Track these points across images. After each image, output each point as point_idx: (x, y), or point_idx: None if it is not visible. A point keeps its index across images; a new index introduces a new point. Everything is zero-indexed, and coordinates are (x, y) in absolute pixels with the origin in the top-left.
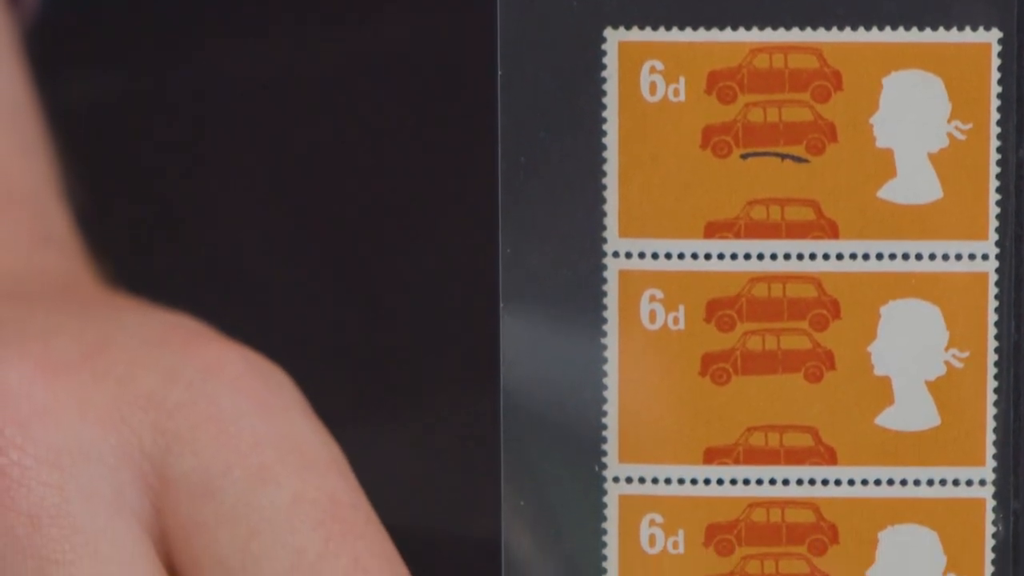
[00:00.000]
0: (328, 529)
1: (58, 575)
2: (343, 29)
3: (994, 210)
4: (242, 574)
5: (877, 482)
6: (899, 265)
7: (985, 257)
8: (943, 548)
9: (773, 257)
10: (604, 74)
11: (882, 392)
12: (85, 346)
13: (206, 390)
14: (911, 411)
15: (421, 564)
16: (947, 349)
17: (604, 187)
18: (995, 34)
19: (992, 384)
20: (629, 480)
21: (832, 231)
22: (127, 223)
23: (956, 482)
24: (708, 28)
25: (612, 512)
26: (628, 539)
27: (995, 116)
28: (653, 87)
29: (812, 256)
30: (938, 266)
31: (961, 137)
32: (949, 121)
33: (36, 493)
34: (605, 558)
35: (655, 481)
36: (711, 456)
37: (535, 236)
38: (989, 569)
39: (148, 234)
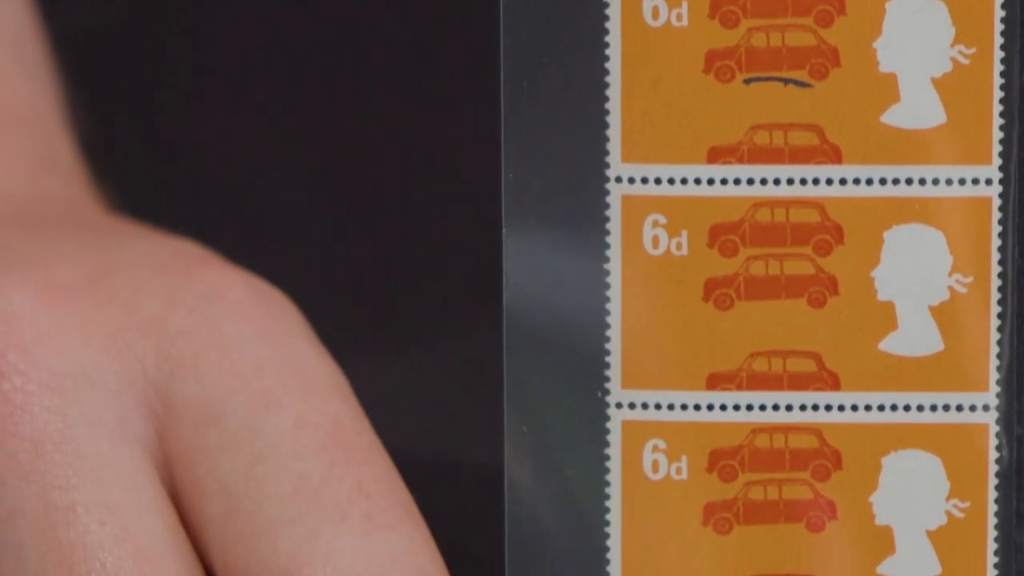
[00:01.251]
0: (331, 454)
1: (61, 500)
2: None
3: (997, 135)
4: (245, 499)
5: (880, 407)
6: (902, 190)
7: (988, 182)
8: (946, 473)
9: (776, 182)
10: None
11: (885, 317)
12: (88, 272)
13: (209, 315)
14: (914, 336)
15: (423, 489)
16: (950, 274)
17: (607, 112)
18: None
19: (996, 309)
20: (632, 406)
21: (835, 156)
22: (131, 148)
23: (959, 407)
24: None
25: (615, 438)
26: (631, 465)
27: (999, 40)
28: (656, 11)
29: (815, 181)
30: (941, 191)
31: (964, 62)
32: (952, 46)
33: (39, 419)
34: (608, 484)
35: (658, 407)
36: (714, 382)
37: (538, 161)
38: (992, 495)
39: (152, 159)
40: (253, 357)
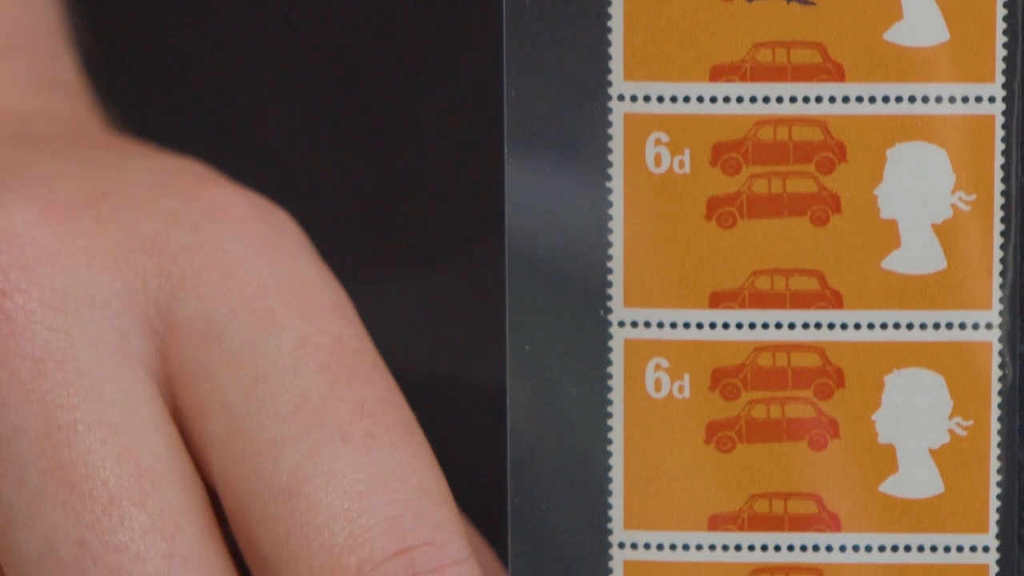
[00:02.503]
0: (333, 373)
1: (62, 419)
2: None
3: (1000, 52)
4: (247, 418)
5: (883, 326)
6: (905, 108)
7: (992, 100)
8: (949, 392)
9: (779, 100)
10: None
11: (888, 235)
12: (90, 190)
13: (211, 234)
14: (917, 254)
15: (426, 409)
16: (953, 192)
17: (609, 30)
18: None
19: (999, 227)
20: (634, 325)
21: (838, 74)
22: (134, 67)
23: (962, 325)
24: None
25: (617, 357)
26: (633, 384)
27: None
28: None
29: (818, 99)
30: (944, 109)
31: None
32: None
33: (41, 337)
34: (610, 403)
35: (660, 326)
36: (716, 300)
37: (540, 79)
38: (995, 413)
39: (154, 78)
40: (255, 276)
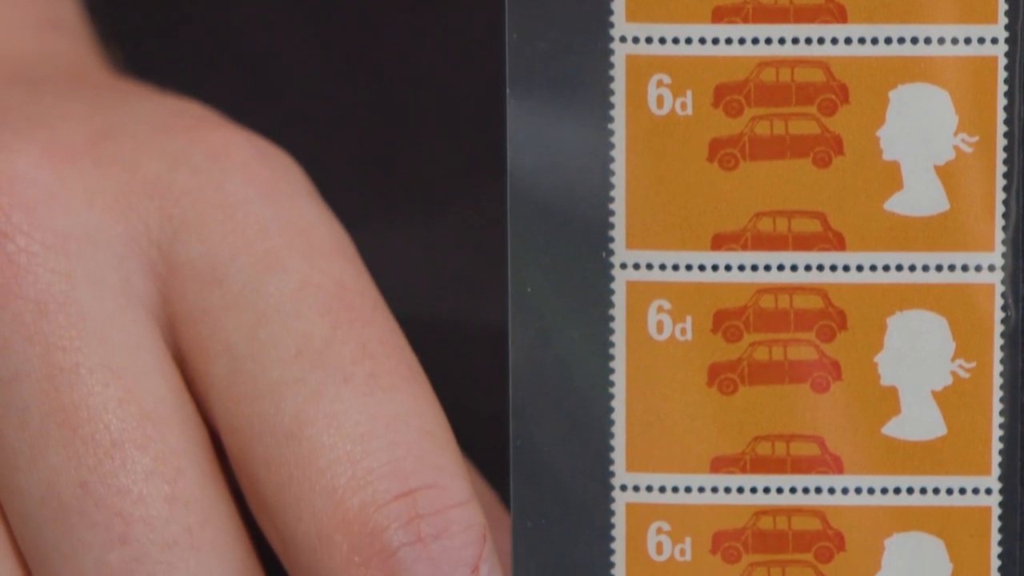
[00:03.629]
0: (335, 315)
1: (65, 362)
2: None
3: None
4: (249, 360)
5: (886, 268)
6: (908, 49)
7: (994, 41)
8: (952, 333)
9: (781, 41)
10: None
11: (891, 177)
12: (92, 132)
13: (212, 176)
14: (920, 196)
15: (427, 351)
16: (956, 134)
17: None
18: None
19: (1001, 169)
20: (636, 267)
21: (840, 15)
22: (135, 8)
23: (965, 267)
24: None
25: (619, 299)
26: (635, 326)
27: None
28: None
29: (820, 40)
30: (947, 50)
31: None
32: None
33: (43, 280)
34: (612, 345)
35: (662, 268)
36: (719, 242)
37: (542, 21)
38: (998, 355)
39: (156, 20)
40: (257, 217)
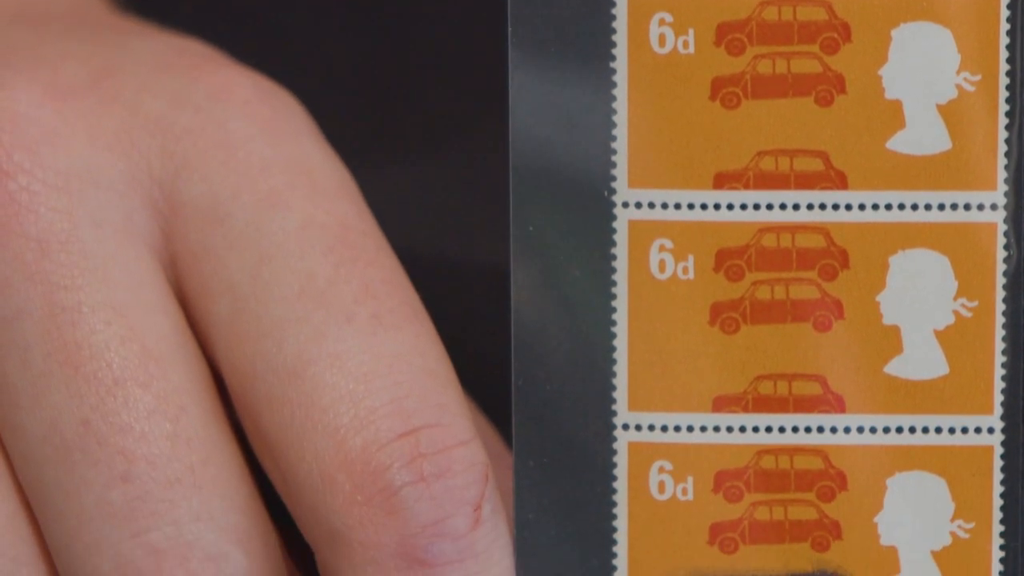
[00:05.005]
0: (338, 254)
1: (67, 301)
2: None
3: None
4: (251, 299)
5: (888, 207)
6: None
7: None
8: (954, 272)
9: None
10: None
11: (893, 116)
12: (94, 71)
13: (214, 114)
14: (922, 134)
15: (430, 290)
16: (958, 72)
17: None
18: None
19: (1003, 107)
20: (638, 205)
21: None
22: None
23: (967, 206)
24: None
25: (621, 237)
26: (637, 264)
27: None
28: None
29: None
30: None
31: None
32: None
33: (45, 219)
34: (614, 284)
35: (664, 207)
36: (721, 181)
37: None
38: (1000, 294)
39: None
40: (259, 156)
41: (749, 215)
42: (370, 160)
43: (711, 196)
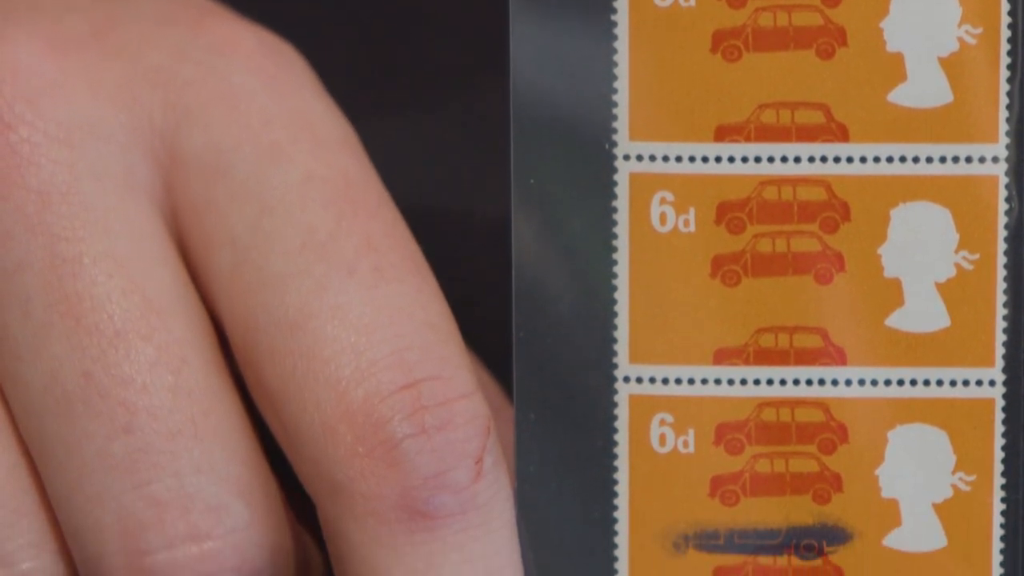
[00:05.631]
0: (340, 208)
1: (68, 252)
2: None
3: None
4: (253, 252)
5: (889, 159)
6: None
7: None
8: (955, 225)
9: None
10: None
11: (894, 68)
12: (95, 23)
13: (216, 67)
14: (924, 87)
15: (431, 243)
16: (960, 25)
17: None
18: None
19: (1005, 60)
20: (639, 157)
21: None
22: None
23: (969, 159)
24: None
25: (622, 189)
26: (638, 217)
27: None
28: None
29: None
30: None
31: None
32: None
33: (46, 170)
34: (615, 236)
35: (665, 159)
36: (722, 134)
37: None
38: (1002, 247)
39: None
40: (261, 109)
41: (750, 168)
42: (371, 113)
43: (712, 149)
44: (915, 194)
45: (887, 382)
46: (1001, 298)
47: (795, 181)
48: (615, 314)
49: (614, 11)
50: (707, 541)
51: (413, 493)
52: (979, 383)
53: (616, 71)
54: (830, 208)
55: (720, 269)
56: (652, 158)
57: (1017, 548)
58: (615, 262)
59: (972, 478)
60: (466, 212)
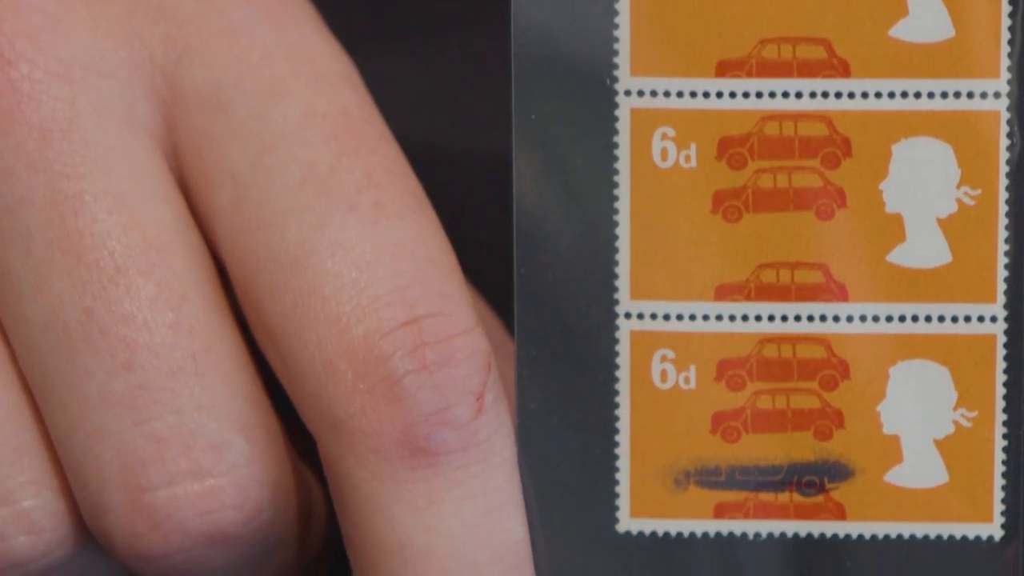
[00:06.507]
0: (340, 143)
1: (68, 189)
2: None
3: None
4: (253, 188)
5: (891, 95)
6: None
7: None
8: (957, 161)
9: None
10: None
11: (896, 4)
12: None
13: (217, 2)
14: (925, 22)
15: (432, 180)
16: None
17: None
18: None
19: (1007, 9)
20: (640, 93)
21: None
22: None
23: (970, 94)
24: None
25: (623, 126)
26: (639, 153)
27: None
28: None
29: None
30: None
31: None
32: None
33: (47, 107)
34: (616, 172)
35: (667, 95)
36: (723, 69)
37: None
38: (1003, 182)
39: None
40: (262, 44)
41: (751, 103)
42: (371, 49)
43: (713, 84)
44: (917, 130)
45: (888, 318)
46: (1002, 234)
47: (796, 116)
48: (616, 250)
49: None
50: (708, 477)
51: (414, 429)
52: (980, 319)
53: (617, 6)
54: (831, 144)
55: (721, 205)
56: (653, 94)
57: (1018, 484)
58: (616, 198)
59: (973, 414)
60: (467, 148)
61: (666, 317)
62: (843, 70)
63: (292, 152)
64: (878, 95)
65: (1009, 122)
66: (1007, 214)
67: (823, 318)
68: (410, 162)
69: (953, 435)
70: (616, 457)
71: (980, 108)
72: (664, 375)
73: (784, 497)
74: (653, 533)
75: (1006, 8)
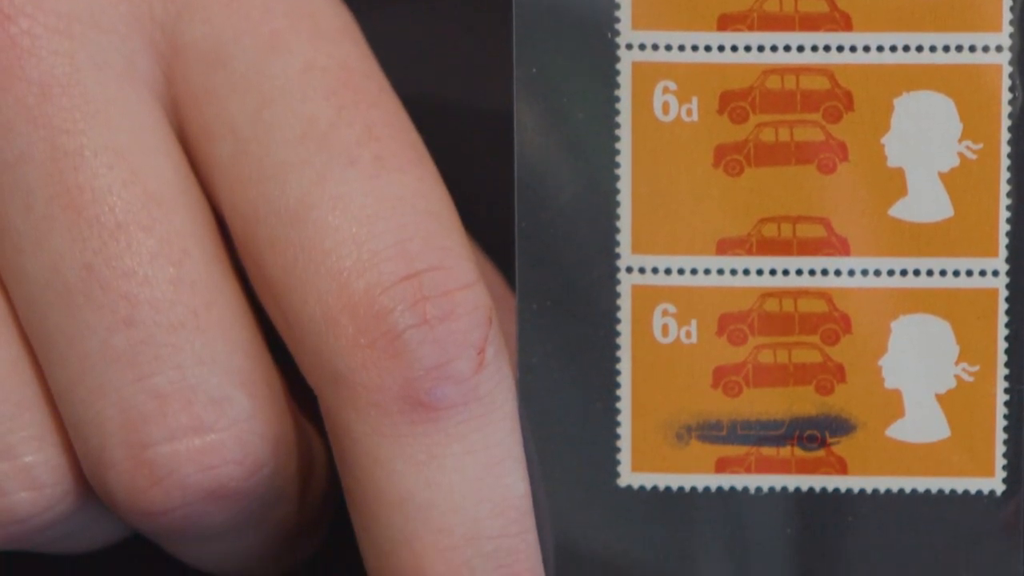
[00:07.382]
0: (340, 97)
1: (68, 145)
2: None
3: None
4: (253, 143)
5: (892, 48)
6: None
7: None
8: (959, 116)
9: None
10: None
11: None
12: None
13: None
14: None
15: (433, 133)
16: None
17: None
18: None
19: None
20: (642, 47)
21: None
22: None
23: (972, 48)
24: None
25: (625, 79)
26: (641, 108)
27: None
28: None
29: None
30: None
31: None
32: None
33: (46, 62)
34: (618, 126)
35: (668, 48)
36: (725, 23)
37: None
38: (1005, 136)
39: None
40: None
41: (753, 57)
42: (372, 3)
43: (715, 38)
44: (918, 83)
45: (890, 272)
46: (1004, 188)
47: (798, 70)
48: (617, 204)
49: None
50: (710, 432)
51: (415, 384)
52: (982, 273)
53: None
54: (833, 97)
55: (723, 158)
56: (655, 47)
57: (1020, 438)
58: (618, 152)
59: (975, 368)
60: (468, 101)
61: (667, 271)
62: (845, 23)
63: (292, 106)
64: (880, 48)
65: (1011, 76)
66: (1009, 168)
67: (824, 272)
68: (411, 116)
69: (955, 389)
70: (617, 411)
71: (982, 62)
72: (665, 329)
73: (785, 451)
74: (654, 487)
75: None
